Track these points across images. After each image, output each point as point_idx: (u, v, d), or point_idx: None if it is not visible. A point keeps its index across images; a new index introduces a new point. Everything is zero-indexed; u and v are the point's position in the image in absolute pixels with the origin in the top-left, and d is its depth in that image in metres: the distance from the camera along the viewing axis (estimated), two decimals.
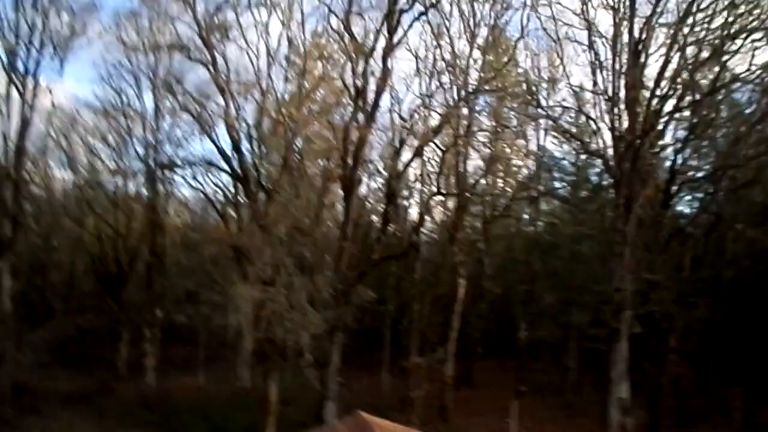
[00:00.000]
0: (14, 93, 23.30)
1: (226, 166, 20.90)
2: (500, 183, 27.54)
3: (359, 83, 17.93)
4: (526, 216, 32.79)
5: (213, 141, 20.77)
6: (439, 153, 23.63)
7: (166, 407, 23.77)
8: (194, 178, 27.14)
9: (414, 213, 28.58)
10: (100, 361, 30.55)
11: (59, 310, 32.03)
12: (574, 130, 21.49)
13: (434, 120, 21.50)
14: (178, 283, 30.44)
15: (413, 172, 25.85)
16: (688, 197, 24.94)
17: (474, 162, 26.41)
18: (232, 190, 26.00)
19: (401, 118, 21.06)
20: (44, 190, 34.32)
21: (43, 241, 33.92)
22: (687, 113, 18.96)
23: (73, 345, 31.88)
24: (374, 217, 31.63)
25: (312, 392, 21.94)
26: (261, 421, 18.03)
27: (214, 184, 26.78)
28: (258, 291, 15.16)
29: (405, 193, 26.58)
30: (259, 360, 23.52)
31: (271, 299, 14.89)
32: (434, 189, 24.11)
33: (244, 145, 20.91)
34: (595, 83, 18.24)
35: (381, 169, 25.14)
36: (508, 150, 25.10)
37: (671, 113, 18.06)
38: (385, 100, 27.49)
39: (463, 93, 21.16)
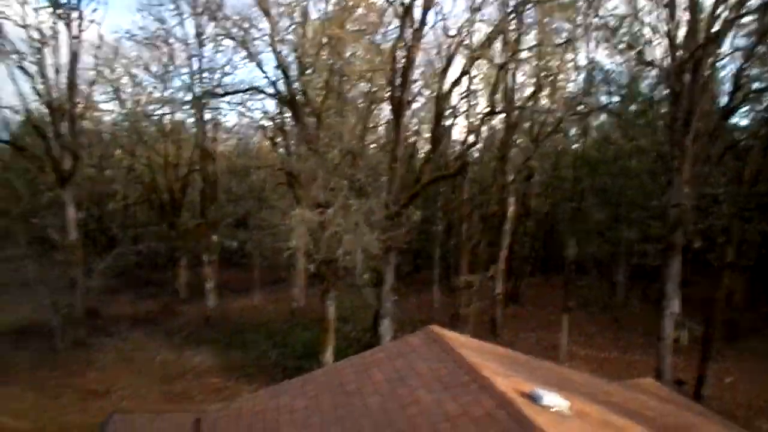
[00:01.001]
0: (61, 27, 23.44)
1: (272, 91, 20.92)
2: (549, 99, 26.83)
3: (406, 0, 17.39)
4: (574, 132, 32.13)
5: (258, 66, 20.70)
6: (487, 70, 23.07)
7: (228, 326, 25.07)
8: (239, 104, 27.36)
9: (457, 133, 28.27)
10: (162, 285, 32.14)
11: (119, 238, 33.44)
12: (627, 40, 20.58)
13: (482, 35, 20.88)
14: (230, 210, 31.24)
15: (458, 91, 25.38)
16: (747, 109, 23.96)
17: (522, 78, 25.81)
18: (279, 115, 26.05)
19: (448, 35, 20.40)
20: (94, 123, 35.00)
21: (98, 173, 34.90)
22: (751, 18, 17.88)
23: (135, 271, 33.50)
24: (416, 138, 31.56)
25: (367, 310, 22.79)
26: (320, 338, 18.85)
27: (260, 110, 26.93)
28: (314, 214, 15.48)
29: (450, 112, 26.14)
30: (315, 281, 24.32)
31: (328, 222, 15.22)
32: (480, 107, 23.73)
33: (290, 69, 20.77)
34: None
35: (427, 89, 24.71)
36: (557, 64, 24.26)
37: (735, 19, 17.05)
38: (432, 17, 26.91)
39: (512, 5, 20.38)
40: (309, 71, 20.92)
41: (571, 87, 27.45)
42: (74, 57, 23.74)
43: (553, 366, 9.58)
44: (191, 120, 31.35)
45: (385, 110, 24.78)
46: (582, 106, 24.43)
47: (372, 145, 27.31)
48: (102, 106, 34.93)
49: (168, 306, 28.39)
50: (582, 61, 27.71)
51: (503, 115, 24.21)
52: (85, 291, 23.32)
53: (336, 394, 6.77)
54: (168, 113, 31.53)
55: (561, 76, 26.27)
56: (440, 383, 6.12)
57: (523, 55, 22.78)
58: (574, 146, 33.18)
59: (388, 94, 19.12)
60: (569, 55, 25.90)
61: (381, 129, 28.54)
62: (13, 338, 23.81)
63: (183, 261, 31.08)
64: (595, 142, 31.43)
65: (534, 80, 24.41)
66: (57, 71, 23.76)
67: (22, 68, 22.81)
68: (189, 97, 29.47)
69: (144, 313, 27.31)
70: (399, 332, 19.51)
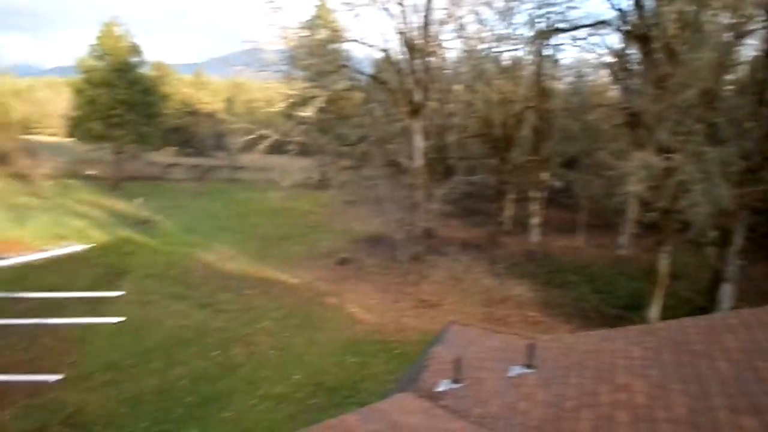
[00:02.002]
0: None
1: (620, 25, 19.65)
2: None
3: None
4: None
5: None
6: None
7: (549, 263, 25.38)
8: (581, 39, 26.35)
9: None
10: (489, 216, 33.92)
11: (455, 168, 36.07)
12: None
13: None
14: (561, 149, 30.94)
15: None
16: None
17: None
18: (624, 51, 24.35)
19: None
20: (440, 59, 37.68)
21: (440, 106, 37.73)
22: None
23: (465, 200, 35.90)
24: None
25: (704, 271, 20.66)
26: (647, 291, 17.86)
27: (600, 45, 25.54)
28: (659, 159, 14.38)
29: None
30: (644, 230, 22.88)
31: (675, 169, 14.00)
32: None
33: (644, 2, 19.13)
34: None
35: None
36: None
37: None
38: None
39: None
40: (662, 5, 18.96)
41: None
42: None
43: None
44: (529, 56, 31.54)
45: (750, 45, 21.18)
46: None
47: (730, 87, 23.79)
48: (447, 44, 37.41)
49: (493, 236, 29.92)
50: None
51: None
52: (425, 212, 25.95)
53: (680, 352, 6.44)
54: (508, 50, 32.15)
55: None
56: None
57: None
58: None
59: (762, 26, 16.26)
60: None
61: (743, 68, 24.57)
62: (365, 245, 28.05)
63: (510, 195, 32.19)
64: None
65: None
66: (415, 12, 26.08)
67: (386, 11, 25.64)
68: (531, 33, 29.51)
69: (471, 239, 29.30)
70: (740, 301, 17.34)
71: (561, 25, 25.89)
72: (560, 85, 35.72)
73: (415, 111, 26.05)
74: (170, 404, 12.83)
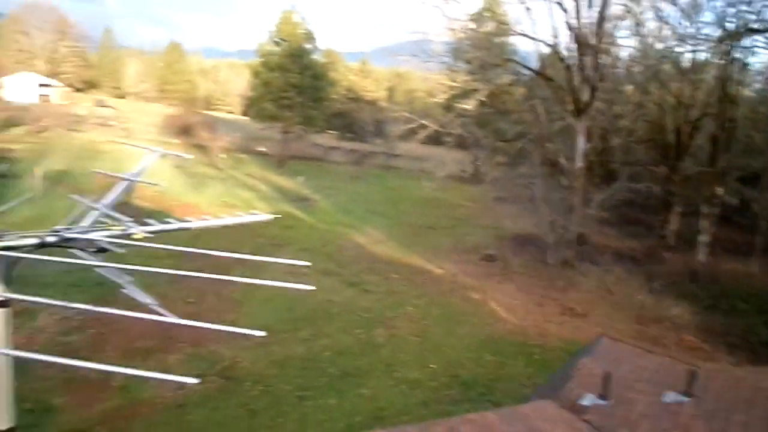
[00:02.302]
0: None
1: None
2: None
3: None
4: None
5: None
6: None
7: (715, 287, 23.24)
8: None
9: None
10: (649, 228, 31.77)
11: (617, 174, 34.15)
12: None
13: None
14: (742, 162, 28.05)
15: None
16: None
17: None
18: None
19: None
20: (612, 57, 35.65)
21: (607, 107, 35.81)
22: None
23: (624, 208, 33.89)
24: None
25: None
26: None
27: None
28: None
29: None
30: None
31: None
32: None
33: None
34: None
35: None
36: None
37: None
38: None
39: None
40: None
41: None
42: None
43: None
44: (714, 59, 28.85)
45: None
46: None
47: None
48: (620, 41, 35.26)
49: (653, 249, 27.97)
50: None
51: None
52: (580, 217, 24.91)
53: None
54: (689, 51, 29.66)
55: None
56: None
57: None
58: None
59: None
60: None
61: None
62: (513, 243, 27.55)
63: (677, 207, 29.82)
64: None
65: None
66: (589, 6, 24.91)
67: (559, 4, 24.77)
68: (719, 33, 26.97)
69: (627, 250, 27.63)
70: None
71: (755, 26, 23.39)
72: (747, 92, 32.40)
73: (581, 110, 25.00)
74: (313, 373, 13.61)
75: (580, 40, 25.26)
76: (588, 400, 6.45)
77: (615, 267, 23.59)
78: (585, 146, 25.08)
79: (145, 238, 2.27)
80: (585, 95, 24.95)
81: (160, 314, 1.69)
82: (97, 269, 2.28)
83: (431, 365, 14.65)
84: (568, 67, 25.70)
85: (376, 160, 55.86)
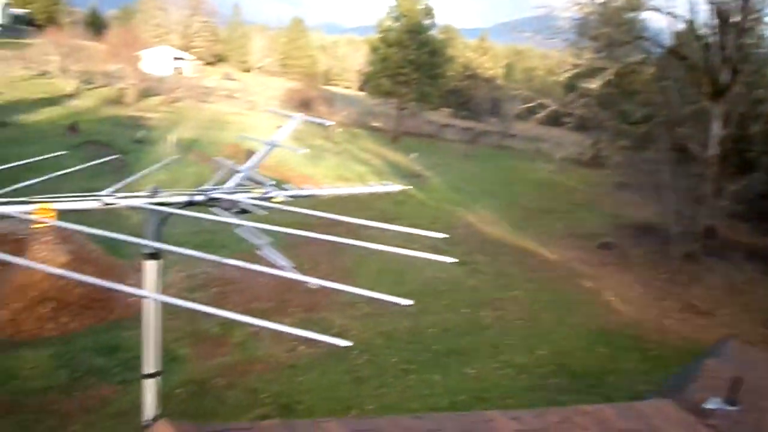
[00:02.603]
0: None
1: None
2: None
3: None
4: None
5: None
6: None
7: None
8: None
9: None
10: None
11: (756, 163, 31.32)
12: None
13: None
14: None
15: None
16: None
17: None
18: None
19: None
20: (757, 37, 32.50)
21: (747, 91, 32.79)
22: None
23: (762, 201, 31.08)
24: None
25: None
26: None
27: None
28: None
29: None
30: None
31: None
32: None
33: None
34: None
35: None
36: None
37: None
38: None
39: None
40: None
41: None
42: None
43: None
44: None
45: None
46: None
47: None
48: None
49: None
50: None
51: None
52: (710, 208, 23.15)
53: None
54: None
55: None
56: None
57: None
58: None
59: None
60: None
61: None
62: (633, 232, 26.19)
63: None
64: None
65: None
66: None
67: None
68: None
69: (762, 247, 25.43)
70: None
71: None
72: None
73: (718, 93, 23.10)
74: (419, 347, 13.75)
75: (721, 16, 23.22)
76: (713, 404, 6.04)
77: (746, 265, 21.78)
78: (721, 132, 23.15)
79: (285, 201, 2.33)
80: (724, 77, 22.99)
81: (299, 275, 1.74)
82: (236, 229, 2.38)
83: (539, 351, 14.33)
84: (706, 46, 23.74)
85: (490, 139, 54.95)
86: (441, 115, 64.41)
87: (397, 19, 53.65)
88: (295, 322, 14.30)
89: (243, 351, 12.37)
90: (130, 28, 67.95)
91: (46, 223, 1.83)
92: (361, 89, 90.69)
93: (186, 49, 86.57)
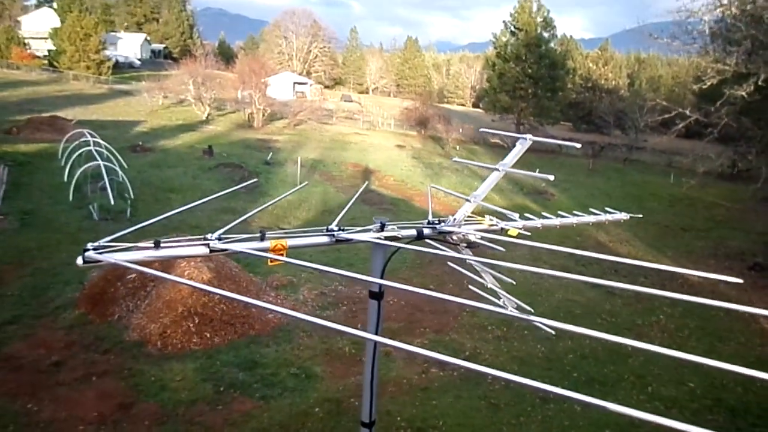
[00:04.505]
0: None
1: None
2: None
3: None
4: None
5: None
6: None
7: None
8: None
9: None
10: None
11: None
12: None
13: None
14: None
15: None
16: None
17: None
18: None
19: None
20: None
21: None
22: None
23: None
24: None
25: None
26: None
27: None
28: None
29: None
30: None
31: None
32: None
33: None
34: None
35: None
36: None
37: None
38: None
39: None
40: None
41: None
42: None
43: None
44: None
45: None
46: None
47: None
48: None
49: None
50: None
51: None
52: None
53: None
54: None
55: None
56: None
57: None
58: None
59: None
60: None
61: None
62: None
63: None
64: None
65: None
66: None
67: None
68: None
69: None
70: None
71: None
72: None
73: None
74: (556, 374, 13.04)
75: None
76: None
77: None
78: None
79: (519, 235, 2.10)
80: None
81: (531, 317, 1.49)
82: (451, 264, 2.18)
83: (689, 383, 13.09)
84: None
85: (615, 152, 52.30)
86: (562, 130, 62.34)
87: (513, 33, 52.79)
88: (425, 343, 14.09)
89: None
90: (255, 56, 71.97)
91: (281, 260, 1.70)
92: (475, 106, 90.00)
93: (307, 74, 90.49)
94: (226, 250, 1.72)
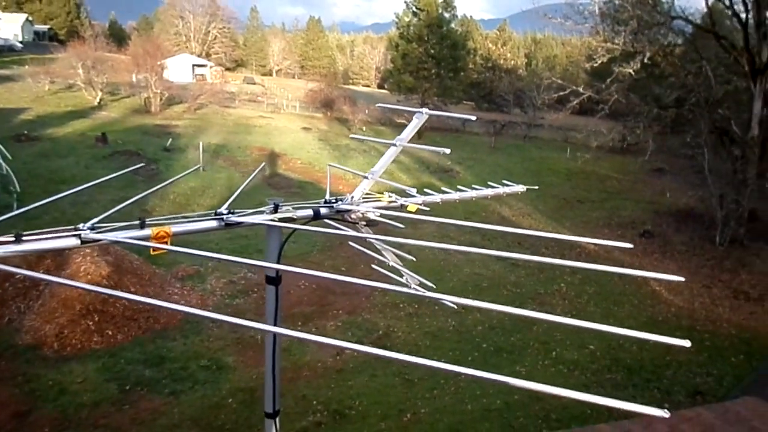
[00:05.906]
0: None
1: None
2: None
3: None
4: None
5: None
6: None
7: None
8: None
9: None
10: None
11: None
12: None
13: None
14: None
15: None
16: None
17: None
18: None
19: None
20: None
21: None
22: None
23: None
24: None
25: None
26: None
27: None
28: None
29: None
30: None
31: None
32: None
33: None
34: None
35: None
36: None
37: None
38: None
39: None
40: None
41: None
42: None
43: None
44: None
45: None
46: None
47: None
48: None
49: None
50: None
51: None
52: (753, 191, 22.42)
53: None
54: None
55: None
56: None
57: None
58: None
59: None
60: None
61: None
62: (673, 219, 25.50)
63: None
64: None
65: None
66: None
67: None
68: None
69: None
70: None
71: None
72: None
73: (758, 71, 22.29)
74: (466, 346, 13.43)
75: None
76: None
77: None
78: (762, 112, 22.38)
79: (419, 210, 2.05)
80: (765, 55, 22.18)
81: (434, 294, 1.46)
82: (351, 242, 2.11)
83: (590, 346, 13.89)
84: (744, 24, 22.95)
85: (515, 130, 54.20)
86: (464, 109, 63.80)
87: (416, 13, 53.20)
88: (339, 325, 14.08)
89: (289, 357, 12.16)
90: (150, 37, 68.42)
91: (165, 248, 1.56)
92: (380, 87, 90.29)
93: (206, 56, 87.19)
94: (100, 240, 1.55)
